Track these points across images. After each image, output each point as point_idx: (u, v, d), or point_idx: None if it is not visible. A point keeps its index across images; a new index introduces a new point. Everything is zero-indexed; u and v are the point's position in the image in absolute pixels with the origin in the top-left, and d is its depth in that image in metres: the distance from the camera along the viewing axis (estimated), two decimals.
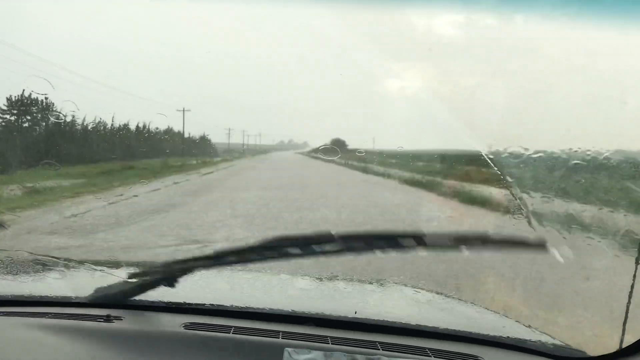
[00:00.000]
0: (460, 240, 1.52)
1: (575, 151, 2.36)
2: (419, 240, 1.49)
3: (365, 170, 22.03)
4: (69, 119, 21.50)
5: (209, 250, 1.77)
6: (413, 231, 1.51)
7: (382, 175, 20.33)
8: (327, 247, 1.51)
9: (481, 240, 1.54)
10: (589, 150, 2.25)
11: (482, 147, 2.35)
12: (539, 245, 1.56)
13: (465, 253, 1.47)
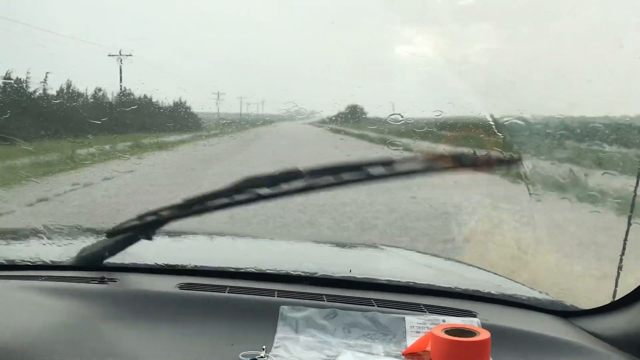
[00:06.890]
0: (433, 162, 1.49)
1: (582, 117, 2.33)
2: (388, 167, 1.44)
3: None
4: None
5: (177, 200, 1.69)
6: (381, 158, 1.45)
7: None
8: (295, 184, 1.47)
9: (456, 160, 1.52)
10: (588, 116, 2.22)
11: (486, 112, 2.33)
12: (513, 161, 1.60)
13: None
